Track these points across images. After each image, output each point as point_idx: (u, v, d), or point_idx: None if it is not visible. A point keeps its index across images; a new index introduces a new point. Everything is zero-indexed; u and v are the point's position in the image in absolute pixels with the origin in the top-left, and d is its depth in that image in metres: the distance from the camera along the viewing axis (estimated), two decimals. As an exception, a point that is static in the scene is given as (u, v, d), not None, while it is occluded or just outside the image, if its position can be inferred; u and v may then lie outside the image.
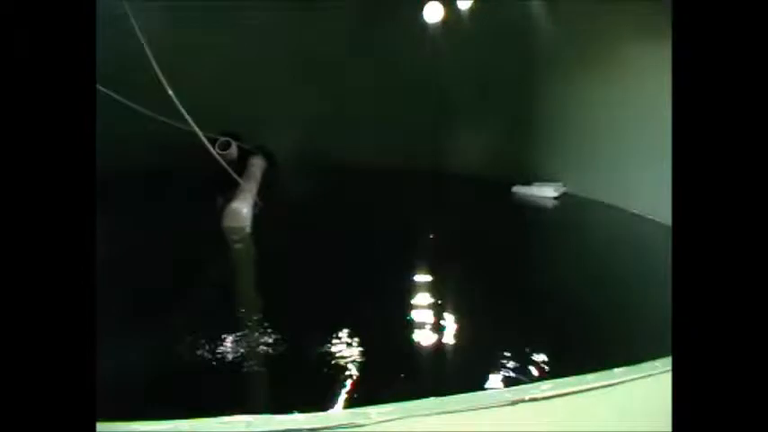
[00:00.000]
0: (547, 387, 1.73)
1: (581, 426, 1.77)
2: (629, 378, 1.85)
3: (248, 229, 7.23)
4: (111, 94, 6.85)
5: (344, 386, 3.88)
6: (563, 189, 9.18)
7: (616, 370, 1.86)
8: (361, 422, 1.47)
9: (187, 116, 7.25)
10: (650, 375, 1.89)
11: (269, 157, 10.08)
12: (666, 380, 1.90)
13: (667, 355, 1.94)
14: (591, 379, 1.79)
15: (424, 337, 4.69)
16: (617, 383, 1.82)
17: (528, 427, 1.68)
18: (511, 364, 4.13)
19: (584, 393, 1.76)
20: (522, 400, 1.64)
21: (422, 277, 6.09)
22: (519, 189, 9.34)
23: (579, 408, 1.76)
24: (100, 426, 1.34)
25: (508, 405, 1.66)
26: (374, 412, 1.48)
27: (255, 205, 7.86)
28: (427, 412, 1.56)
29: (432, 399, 1.57)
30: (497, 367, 4.10)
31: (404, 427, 1.52)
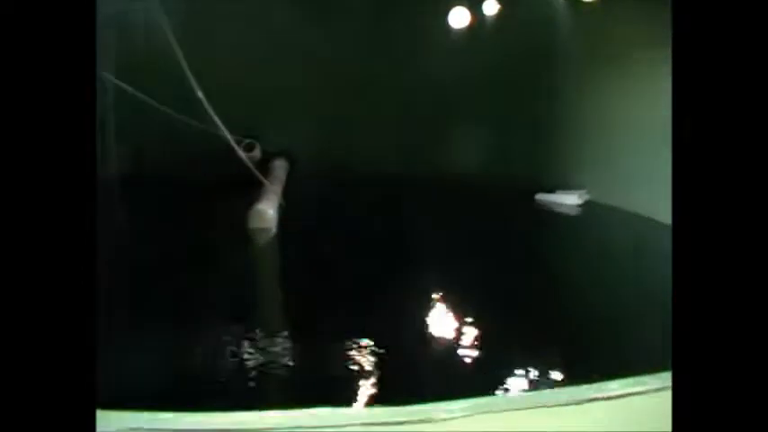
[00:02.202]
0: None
1: None
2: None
3: (274, 230, 7.24)
4: (128, 88, 6.95)
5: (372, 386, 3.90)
6: (586, 196, 9.14)
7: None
8: (433, 417, 1.47)
9: (216, 118, 7.30)
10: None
11: (291, 160, 10.08)
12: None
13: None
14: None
15: (444, 345, 4.71)
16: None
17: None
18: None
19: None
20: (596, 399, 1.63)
21: (438, 285, 6.09)
22: (542, 197, 9.31)
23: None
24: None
25: (576, 404, 1.65)
26: (443, 408, 1.49)
27: (280, 207, 7.87)
28: (497, 409, 1.56)
29: (500, 396, 1.58)
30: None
31: (473, 423, 1.52)
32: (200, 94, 7.14)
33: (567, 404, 1.61)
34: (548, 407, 1.60)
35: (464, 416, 1.50)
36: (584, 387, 1.70)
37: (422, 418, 1.46)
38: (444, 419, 1.46)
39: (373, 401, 3.60)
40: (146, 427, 1.45)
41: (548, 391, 1.66)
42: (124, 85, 7.21)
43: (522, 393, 1.57)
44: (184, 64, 6.85)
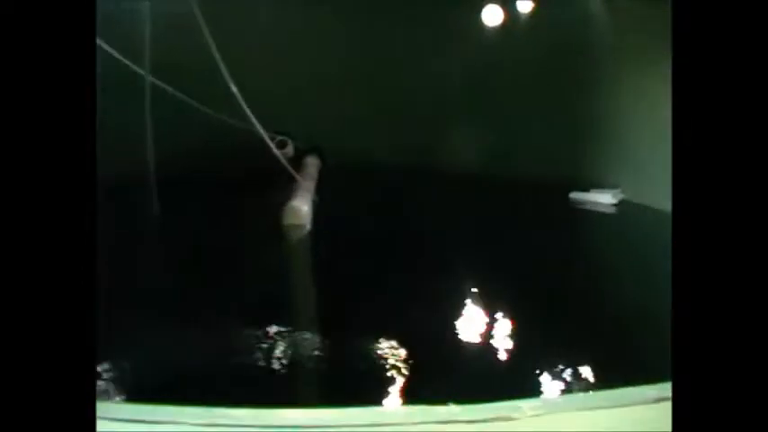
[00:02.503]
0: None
1: None
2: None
3: (308, 227, 7.25)
4: (166, 87, 7.01)
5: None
6: (621, 196, 9.03)
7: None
8: (514, 415, 1.45)
9: (250, 114, 7.33)
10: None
11: (322, 157, 10.08)
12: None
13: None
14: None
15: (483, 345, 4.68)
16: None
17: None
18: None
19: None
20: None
21: (476, 283, 6.04)
22: (577, 195, 9.21)
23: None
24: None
25: (646, 404, 1.62)
26: (526, 406, 1.47)
27: (313, 203, 7.87)
28: (574, 408, 1.54)
29: (578, 394, 1.55)
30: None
31: (553, 421, 1.50)
32: (233, 88, 7.18)
33: (638, 404, 1.58)
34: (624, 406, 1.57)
35: (535, 415, 1.48)
36: (651, 386, 1.67)
37: (494, 416, 1.45)
38: (516, 419, 1.44)
39: (414, 400, 3.58)
40: (168, 420, 1.45)
41: (619, 391, 1.62)
42: (161, 84, 7.28)
43: (588, 394, 1.53)
44: (218, 57, 6.88)
